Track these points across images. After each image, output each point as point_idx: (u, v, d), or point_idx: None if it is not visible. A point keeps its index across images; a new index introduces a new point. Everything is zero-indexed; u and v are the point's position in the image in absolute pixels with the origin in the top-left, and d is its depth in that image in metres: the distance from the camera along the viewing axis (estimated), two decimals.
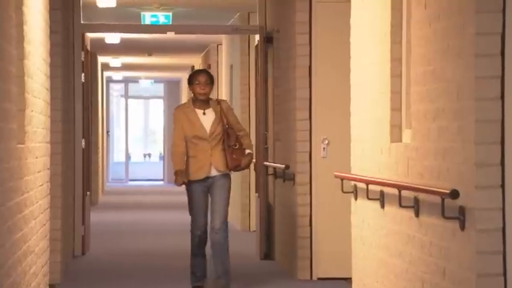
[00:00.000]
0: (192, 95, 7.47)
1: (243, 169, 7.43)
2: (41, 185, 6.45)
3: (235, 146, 7.36)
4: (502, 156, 4.07)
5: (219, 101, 7.49)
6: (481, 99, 4.06)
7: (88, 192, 10.43)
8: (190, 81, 7.44)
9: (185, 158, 7.37)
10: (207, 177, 7.38)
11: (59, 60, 8.23)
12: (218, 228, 7.33)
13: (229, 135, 7.38)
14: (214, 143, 7.36)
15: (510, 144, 4.06)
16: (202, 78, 7.37)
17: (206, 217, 7.46)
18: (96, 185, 18.59)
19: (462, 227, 4.21)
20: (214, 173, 7.39)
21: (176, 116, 7.44)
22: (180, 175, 7.34)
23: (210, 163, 7.34)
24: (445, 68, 4.47)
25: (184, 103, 7.54)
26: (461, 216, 4.21)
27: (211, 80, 7.42)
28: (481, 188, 4.07)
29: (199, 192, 7.39)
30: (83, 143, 9.97)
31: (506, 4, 4.04)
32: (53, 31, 7.61)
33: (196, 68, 20.69)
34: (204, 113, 7.39)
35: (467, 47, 4.16)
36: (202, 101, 7.40)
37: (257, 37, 10.20)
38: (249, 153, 7.41)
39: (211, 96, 7.51)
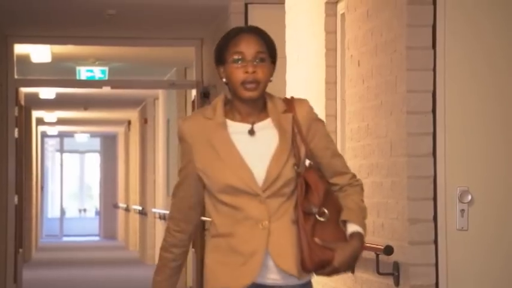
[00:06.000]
0: (227, 88, 3.07)
1: (339, 272, 3.01)
2: None
3: (323, 213, 2.99)
4: (434, 212, 4.11)
5: (289, 102, 3.09)
6: (413, 156, 4.11)
7: (20, 249, 10.25)
8: (222, 54, 3.03)
9: (178, 261, 3.16)
10: (257, 286, 2.99)
11: None
12: None
13: (309, 187, 3.00)
14: (277, 206, 2.99)
15: (442, 200, 4.10)
16: (248, 47, 2.99)
17: None
18: (29, 242, 18.27)
19: (396, 283, 4.23)
20: (274, 279, 3.00)
21: (183, 143, 3.06)
22: None
23: (266, 252, 2.97)
24: (378, 124, 4.52)
25: (206, 108, 3.07)
26: (395, 272, 4.23)
27: (270, 51, 3.03)
28: (415, 243, 4.09)
29: None
30: (16, 199, 9.82)
31: (437, 63, 4.12)
32: None
33: (133, 122, 20.58)
34: (251, 131, 3.02)
35: (399, 104, 4.21)
36: (249, 102, 3.02)
37: (194, 92, 10.21)
38: (355, 233, 3.01)
39: (269, 89, 3.07)
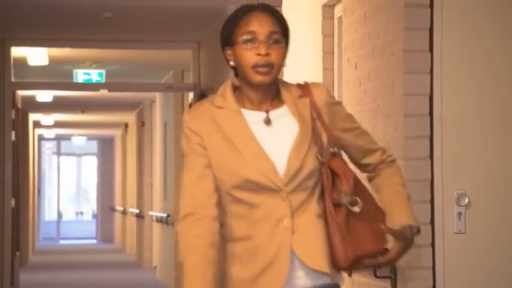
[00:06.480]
0: (233, 75, 2.75)
1: (382, 266, 2.75)
2: None
3: (356, 202, 2.66)
4: (431, 215, 4.10)
5: (304, 87, 2.75)
6: (410, 159, 4.11)
7: (17, 252, 10.24)
8: (230, 34, 2.69)
9: (213, 257, 2.60)
10: None
11: None
12: None
13: (337, 175, 2.66)
14: (299, 201, 2.63)
15: (439, 203, 4.10)
16: (260, 26, 2.68)
17: None
18: (26, 245, 18.27)
19: (394, 286, 4.22)
20: (301, 281, 2.62)
21: (187, 134, 2.68)
22: None
23: (291, 252, 2.60)
24: (376, 127, 4.52)
25: (213, 97, 2.72)
26: (392, 275, 4.22)
27: (283, 31, 2.74)
28: (412, 246, 4.09)
29: None
30: (13, 202, 9.81)
31: (434, 66, 4.12)
32: None
33: (130, 125, 20.58)
34: (267, 121, 2.68)
35: (396, 107, 4.21)
36: (260, 88, 2.68)
37: (191, 95, 10.21)
38: (405, 227, 2.78)
39: (281, 76, 2.96)
